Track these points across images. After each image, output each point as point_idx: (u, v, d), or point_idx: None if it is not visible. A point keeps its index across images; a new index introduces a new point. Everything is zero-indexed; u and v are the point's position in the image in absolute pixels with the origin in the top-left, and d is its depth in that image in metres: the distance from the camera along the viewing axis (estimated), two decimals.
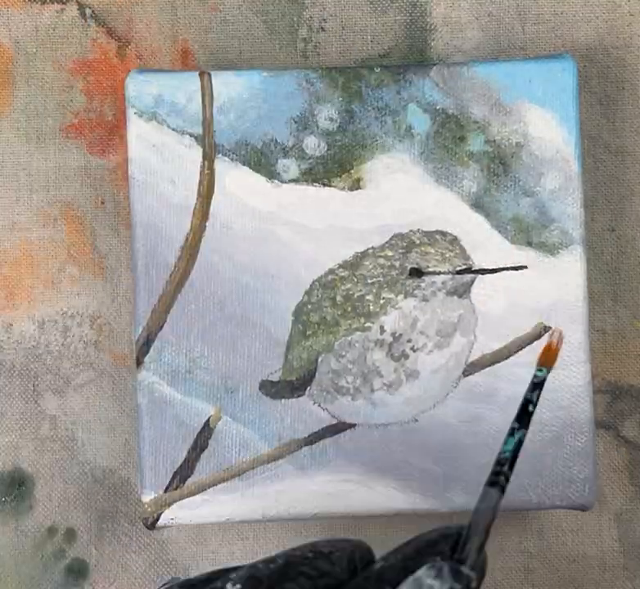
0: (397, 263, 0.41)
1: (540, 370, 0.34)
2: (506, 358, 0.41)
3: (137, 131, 0.41)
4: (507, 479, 0.32)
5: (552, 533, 0.46)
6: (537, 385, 0.34)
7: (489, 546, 0.45)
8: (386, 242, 0.41)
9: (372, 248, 0.41)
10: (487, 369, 0.41)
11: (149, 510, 0.41)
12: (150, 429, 0.41)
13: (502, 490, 0.32)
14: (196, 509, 0.41)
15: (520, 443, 0.33)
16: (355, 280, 0.41)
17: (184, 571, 0.45)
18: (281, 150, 0.41)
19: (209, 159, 0.41)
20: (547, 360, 0.35)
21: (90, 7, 0.46)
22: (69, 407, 0.45)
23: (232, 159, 0.41)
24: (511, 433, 0.33)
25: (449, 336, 0.41)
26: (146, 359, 0.41)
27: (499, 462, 0.32)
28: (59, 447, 0.45)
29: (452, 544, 0.31)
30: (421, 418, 0.41)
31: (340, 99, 0.42)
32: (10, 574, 0.45)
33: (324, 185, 0.42)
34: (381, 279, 0.41)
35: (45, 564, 0.45)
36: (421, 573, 0.30)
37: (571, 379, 0.41)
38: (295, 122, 0.41)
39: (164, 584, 0.31)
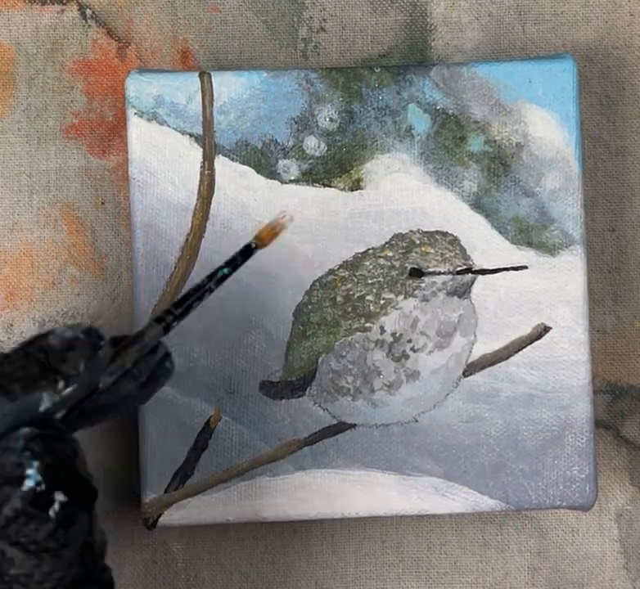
0: (397, 264, 0.41)
1: (256, 244, 0.35)
2: (506, 359, 0.41)
3: (138, 131, 0.41)
4: (174, 319, 0.33)
5: (552, 533, 0.46)
6: (245, 253, 0.35)
7: (490, 546, 0.46)
8: (386, 242, 0.41)
9: (372, 248, 0.41)
10: (487, 369, 0.41)
11: (149, 510, 0.41)
12: (150, 430, 0.41)
13: (167, 329, 0.33)
14: (196, 509, 0.41)
15: (199, 291, 0.34)
16: (355, 280, 0.41)
17: (184, 571, 0.45)
18: (281, 151, 0.41)
19: (209, 159, 0.41)
20: (265, 237, 0.35)
21: (90, 8, 0.46)
22: None
23: (232, 160, 0.41)
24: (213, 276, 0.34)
25: (449, 336, 0.41)
26: None
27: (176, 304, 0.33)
28: None
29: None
30: (421, 418, 0.41)
31: (340, 99, 0.42)
32: None
33: (324, 185, 0.42)
34: (381, 279, 0.41)
35: None
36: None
37: (571, 380, 0.41)
38: (296, 122, 0.41)
39: None
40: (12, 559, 0.28)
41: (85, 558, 0.29)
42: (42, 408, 0.29)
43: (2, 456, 0.28)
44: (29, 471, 0.28)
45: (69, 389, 0.29)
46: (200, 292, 0.34)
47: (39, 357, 0.29)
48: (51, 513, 0.28)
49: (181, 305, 0.33)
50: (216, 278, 0.34)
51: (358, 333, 0.41)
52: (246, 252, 0.35)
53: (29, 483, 0.28)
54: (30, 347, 0.30)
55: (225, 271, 0.34)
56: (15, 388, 0.28)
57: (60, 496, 0.28)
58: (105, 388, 0.31)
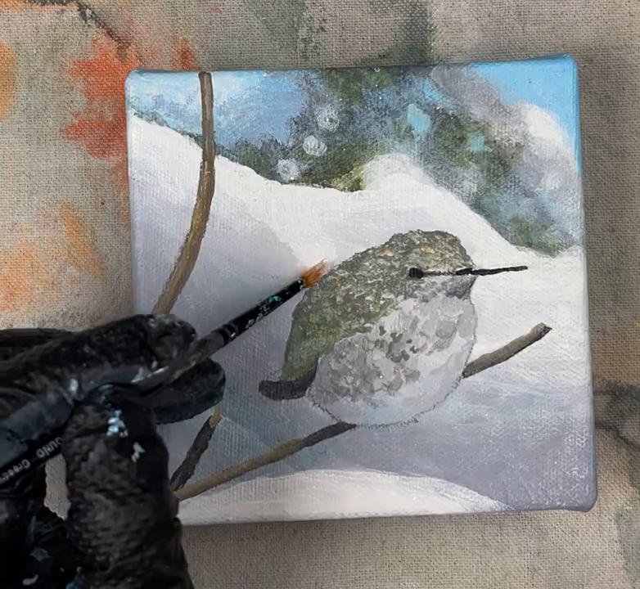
0: (397, 264, 0.41)
1: (301, 282, 0.41)
2: (506, 359, 0.41)
3: (138, 132, 0.41)
4: (232, 331, 0.37)
5: (552, 534, 0.46)
6: (293, 288, 0.41)
7: (490, 546, 0.46)
8: (386, 243, 0.41)
9: (372, 248, 0.41)
10: (487, 370, 0.41)
11: None
12: None
13: (226, 340, 0.36)
14: (195, 509, 0.41)
15: (254, 312, 0.39)
16: (355, 280, 0.41)
17: None
18: (281, 151, 0.41)
19: (209, 159, 0.41)
20: (310, 277, 0.41)
21: (90, 8, 0.46)
22: None
23: (232, 160, 0.41)
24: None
25: (449, 337, 0.41)
26: None
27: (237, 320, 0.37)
28: None
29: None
30: (421, 419, 0.41)
31: (340, 99, 0.42)
32: None
33: (324, 185, 0.42)
34: (381, 279, 0.41)
35: None
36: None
37: (571, 380, 0.41)
38: (295, 122, 0.41)
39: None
40: (99, 505, 0.30)
41: (166, 503, 0.31)
42: (134, 380, 0.31)
43: (87, 408, 0.30)
44: (112, 420, 0.30)
45: (160, 370, 0.31)
46: (255, 312, 0.38)
47: (139, 335, 0.32)
48: (134, 459, 0.30)
49: (239, 322, 0.37)
50: (268, 303, 0.39)
51: (358, 333, 0.41)
52: (294, 287, 0.41)
53: (112, 429, 0.30)
54: (130, 324, 0.32)
55: (275, 298, 0.40)
56: (118, 357, 0.31)
57: (139, 447, 0.30)
58: (171, 380, 0.33)
